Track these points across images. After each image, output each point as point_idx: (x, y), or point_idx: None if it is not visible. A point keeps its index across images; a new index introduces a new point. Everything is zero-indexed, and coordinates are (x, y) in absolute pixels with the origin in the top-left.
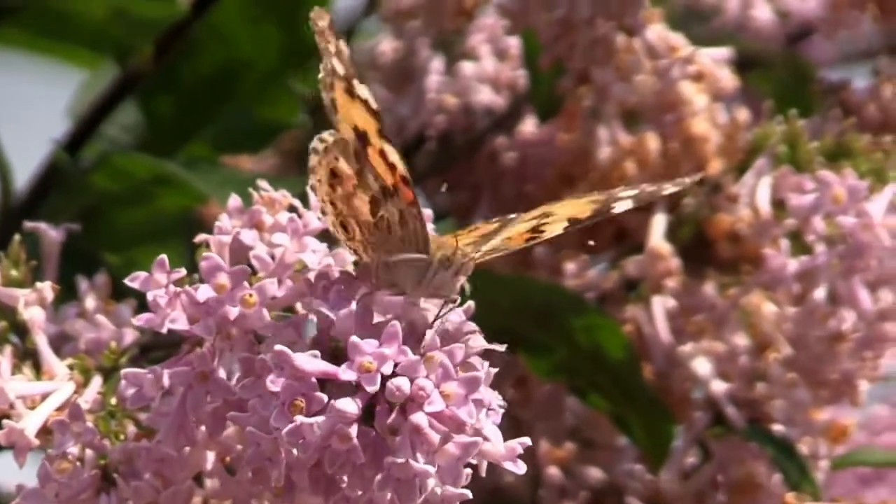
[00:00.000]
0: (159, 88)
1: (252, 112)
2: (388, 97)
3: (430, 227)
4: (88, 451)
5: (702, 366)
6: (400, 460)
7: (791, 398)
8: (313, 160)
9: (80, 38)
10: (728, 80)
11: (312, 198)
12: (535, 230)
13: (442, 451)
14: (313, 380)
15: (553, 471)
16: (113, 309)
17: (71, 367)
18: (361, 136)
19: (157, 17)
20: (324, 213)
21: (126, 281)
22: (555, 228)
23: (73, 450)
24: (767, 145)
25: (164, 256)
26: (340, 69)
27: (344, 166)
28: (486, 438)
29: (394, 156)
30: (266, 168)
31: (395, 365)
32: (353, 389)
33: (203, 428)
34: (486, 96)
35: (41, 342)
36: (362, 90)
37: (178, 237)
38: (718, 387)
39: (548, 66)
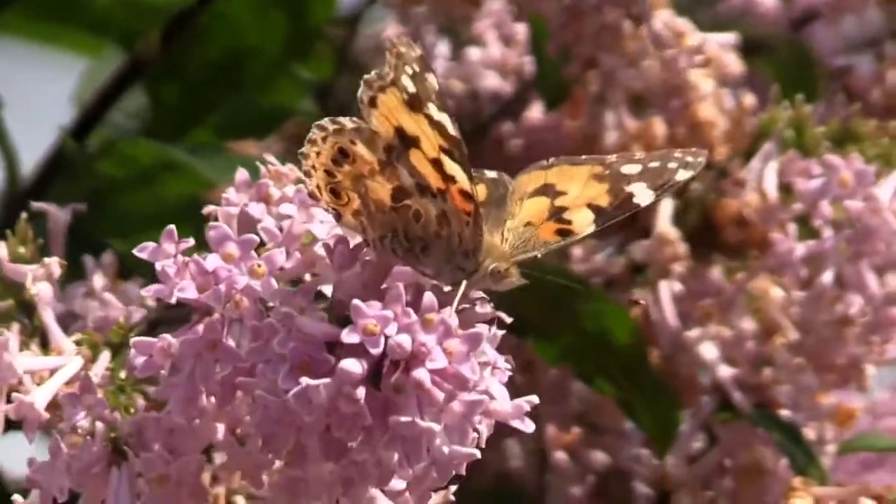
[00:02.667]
0: (165, 75)
1: (257, 98)
2: None
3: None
4: (99, 425)
5: (708, 351)
6: (405, 419)
7: (798, 383)
8: (317, 134)
9: (84, 23)
10: (734, 65)
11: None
12: (558, 219)
13: (447, 409)
14: (321, 342)
15: (560, 455)
16: (121, 287)
17: (79, 343)
18: (407, 140)
19: (163, 4)
20: (308, 175)
21: (134, 251)
22: (582, 221)
23: (84, 423)
24: (774, 130)
25: (172, 227)
26: (411, 88)
27: (362, 151)
28: (491, 396)
29: (457, 172)
30: (271, 153)
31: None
32: (360, 352)
33: (213, 399)
34: (492, 82)
35: (48, 318)
36: (439, 115)
37: (185, 224)
38: (725, 372)
39: (555, 54)
